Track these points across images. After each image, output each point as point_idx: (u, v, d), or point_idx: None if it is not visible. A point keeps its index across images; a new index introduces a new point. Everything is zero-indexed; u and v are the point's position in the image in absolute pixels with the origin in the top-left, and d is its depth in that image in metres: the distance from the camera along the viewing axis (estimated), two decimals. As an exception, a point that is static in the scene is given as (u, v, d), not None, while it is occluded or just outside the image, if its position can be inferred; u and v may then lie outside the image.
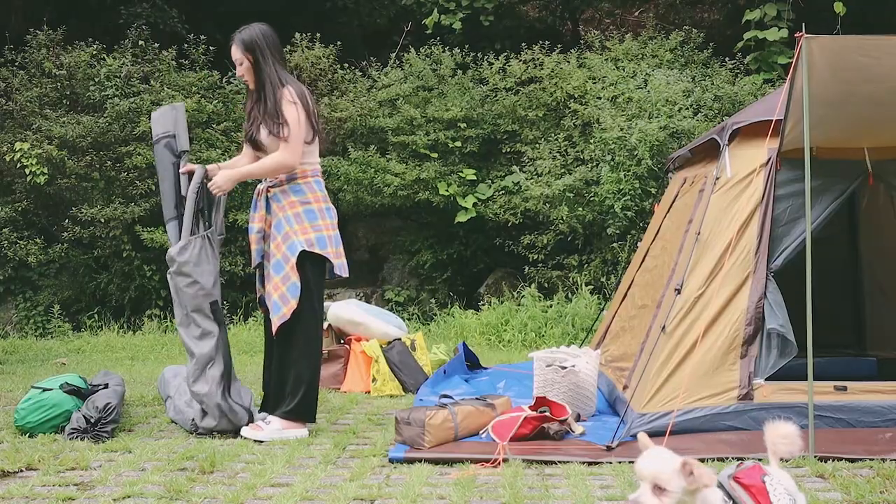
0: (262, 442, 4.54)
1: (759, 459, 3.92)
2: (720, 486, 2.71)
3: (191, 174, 4.75)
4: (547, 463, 4.05)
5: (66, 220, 9.53)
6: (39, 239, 9.56)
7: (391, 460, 4.13)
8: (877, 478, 3.73)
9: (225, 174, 4.77)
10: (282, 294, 4.64)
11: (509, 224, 9.42)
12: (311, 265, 4.68)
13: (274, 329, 4.69)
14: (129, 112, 9.57)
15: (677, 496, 2.40)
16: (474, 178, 9.64)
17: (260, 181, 4.85)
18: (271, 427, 4.64)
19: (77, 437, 4.59)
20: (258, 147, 4.79)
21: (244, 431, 4.64)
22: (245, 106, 5.08)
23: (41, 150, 9.23)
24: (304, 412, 4.73)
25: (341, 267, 4.79)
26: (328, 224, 4.76)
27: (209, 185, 4.74)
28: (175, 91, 9.76)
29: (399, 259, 10.18)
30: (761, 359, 4.46)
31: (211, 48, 10.30)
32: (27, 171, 9.23)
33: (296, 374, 4.68)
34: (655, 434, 4.18)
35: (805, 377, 4.14)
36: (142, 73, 10.02)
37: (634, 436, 4.26)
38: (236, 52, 4.77)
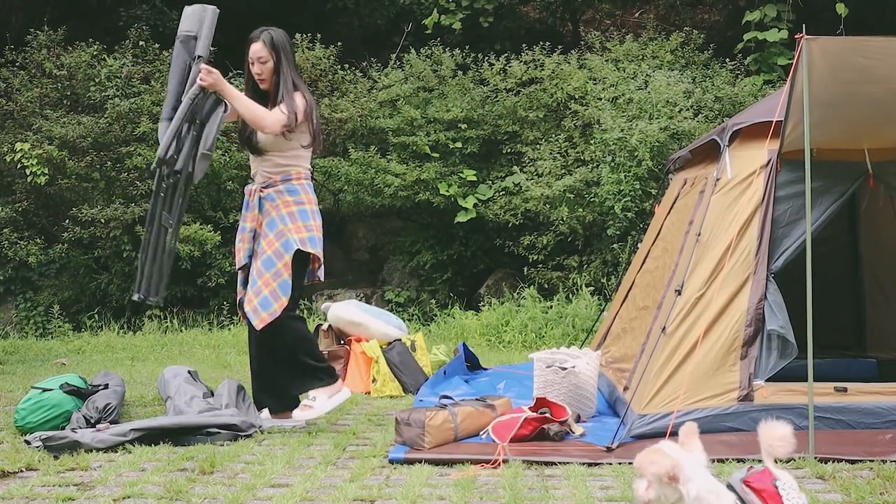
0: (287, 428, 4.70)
1: (759, 460, 3.93)
2: (731, 488, 2.72)
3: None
4: (547, 464, 4.05)
5: (67, 221, 9.53)
6: (40, 239, 9.56)
7: (391, 461, 4.13)
8: (877, 479, 3.72)
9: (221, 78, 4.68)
10: (272, 290, 4.67)
11: (509, 225, 9.42)
12: (299, 264, 4.74)
13: (262, 325, 4.68)
14: (130, 112, 9.57)
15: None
16: (475, 178, 9.64)
17: (251, 182, 4.89)
18: (319, 402, 4.77)
19: (77, 437, 4.58)
20: (255, 149, 4.81)
21: (296, 414, 4.77)
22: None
23: (41, 150, 9.24)
24: (329, 374, 4.88)
25: (321, 271, 4.89)
26: (318, 226, 4.82)
27: (199, 69, 4.59)
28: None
29: (399, 260, 10.19)
30: (761, 360, 4.46)
31: (211, 48, 10.28)
32: (28, 171, 9.24)
33: (299, 356, 4.77)
34: (656, 435, 4.20)
35: (805, 378, 4.13)
36: (142, 73, 10.03)
37: (635, 437, 4.29)
38: (262, 50, 4.75)
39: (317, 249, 4.76)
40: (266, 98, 4.82)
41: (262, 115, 4.66)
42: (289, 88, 4.72)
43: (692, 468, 2.53)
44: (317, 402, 4.75)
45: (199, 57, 4.62)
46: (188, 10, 4.69)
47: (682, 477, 2.50)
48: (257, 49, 4.76)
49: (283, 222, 4.71)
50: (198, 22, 4.62)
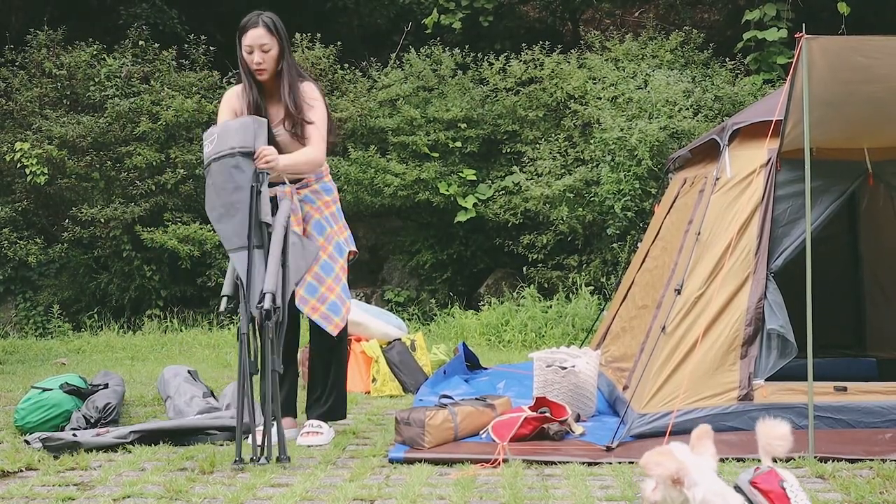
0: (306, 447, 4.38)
1: (759, 459, 3.92)
2: (738, 489, 2.71)
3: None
4: (547, 463, 4.05)
5: (66, 220, 9.54)
6: (39, 239, 9.57)
7: (391, 460, 4.13)
8: (877, 478, 3.72)
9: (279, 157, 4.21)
10: (338, 295, 4.46)
11: (509, 224, 9.42)
12: (346, 264, 4.59)
13: (338, 330, 4.44)
14: (130, 112, 9.58)
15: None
16: (474, 178, 9.65)
17: (281, 183, 4.43)
18: (326, 429, 4.51)
19: (77, 437, 4.58)
20: (278, 149, 4.32)
21: (300, 440, 4.41)
22: (244, 100, 4.43)
23: (41, 150, 9.24)
24: (341, 410, 4.66)
25: None
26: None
27: (264, 155, 4.13)
28: (175, 91, 9.77)
29: (399, 259, 10.19)
30: (761, 359, 4.46)
31: (211, 48, 10.32)
32: (27, 170, 9.25)
33: (338, 374, 4.61)
34: (656, 435, 4.20)
35: (805, 378, 4.13)
36: (142, 73, 10.03)
37: (634, 436, 4.29)
38: (264, 35, 4.30)
39: (354, 246, 4.63)
40: (262, 90, 4.42)
41: (310, 158, 4.34)
42: (297, 76, 4.39)
43: (699, 471, 2.52)
44: (324, 429, 4.50)
45: (265, 174, 4.14)
46: (236, 123, 4.21)
47: (688, 481, 2.49)
48: (259, 35, 4.30)
49: (328, 224, 4.49)
50: (252, 136, 4.13)
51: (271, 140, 4.34)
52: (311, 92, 4.43)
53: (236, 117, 4.40)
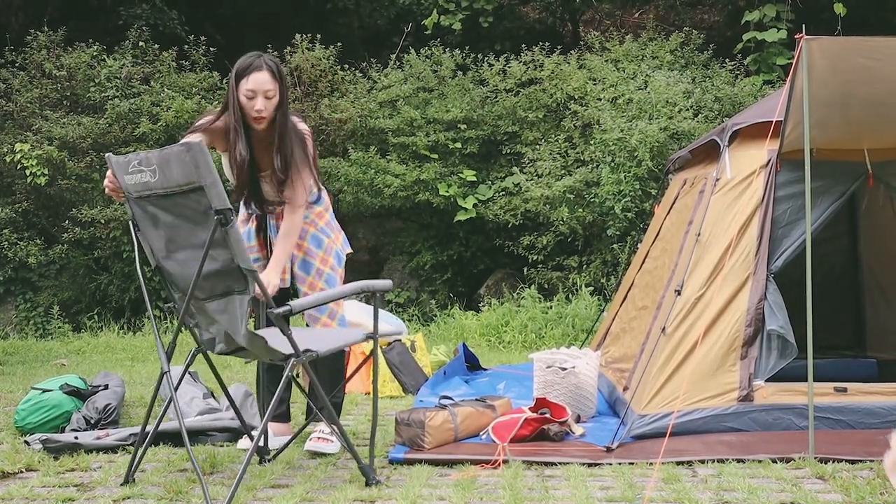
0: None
1: (759, 461, 3.93)
2: None
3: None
4: (547, 464, 4.05)
5: (67, 221, 9.55)
6: (40, 240, 9.58)
7: (391, 461, 4.13)
8: (877, 479, 3.72)
9: (272, 277, 4.03)
10: (343, 307, 4.42)
11: (509, 225, 9.42)
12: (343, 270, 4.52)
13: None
14: (130, 113, 9.59)
15: None
16: (474, 179, 9.66)
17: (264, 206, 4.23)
18: (336, 438, 4.33)
19: (77, 438, 4.58)
20: (265, 202, 4.19)
21: (309, 446, 4.26)
22: (233, 143, 4.03)
23: (41, 151, 9.25)
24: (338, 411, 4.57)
25: None
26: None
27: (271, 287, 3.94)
28: (175, 92, 9.78)
29: (399, 260, 10.20)
30: (761, 360, 4.46)
31: (211, 49, 10.33)
32: (27, 171, 9.26)
33: (338, 382, 4.52)
34: (656, 435, 4.20)
35: (805, 378, 4.13)
36: (142, 74, 10.05)
37: (635, 437, 4.29)
38: (270, 82, 3.94)
39: (349, 248, 4.55)
40: (252, 136, 4.06)
41: (294, 228, 4.11)
42: (290, 130, 4.04)
43: None
44: (335, 437, 4.29)
45: (228, 210, 3.37)
46: (174, 157, 3.35)
47: None
48: (264, 80, 3.92)
49: (325, 234, 4.38)
50: (193, 166, 3.30)
51: (255, 185, 4.10)
52: (304, 147, 4.12)
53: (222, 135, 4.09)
